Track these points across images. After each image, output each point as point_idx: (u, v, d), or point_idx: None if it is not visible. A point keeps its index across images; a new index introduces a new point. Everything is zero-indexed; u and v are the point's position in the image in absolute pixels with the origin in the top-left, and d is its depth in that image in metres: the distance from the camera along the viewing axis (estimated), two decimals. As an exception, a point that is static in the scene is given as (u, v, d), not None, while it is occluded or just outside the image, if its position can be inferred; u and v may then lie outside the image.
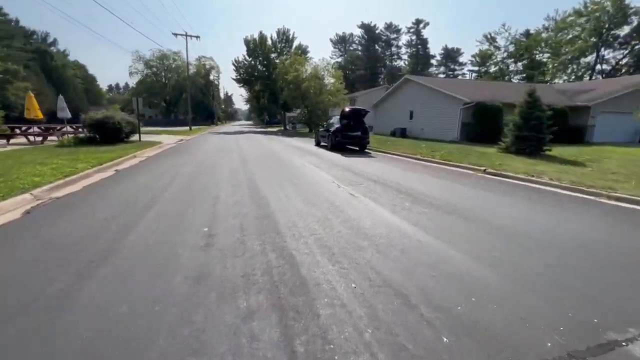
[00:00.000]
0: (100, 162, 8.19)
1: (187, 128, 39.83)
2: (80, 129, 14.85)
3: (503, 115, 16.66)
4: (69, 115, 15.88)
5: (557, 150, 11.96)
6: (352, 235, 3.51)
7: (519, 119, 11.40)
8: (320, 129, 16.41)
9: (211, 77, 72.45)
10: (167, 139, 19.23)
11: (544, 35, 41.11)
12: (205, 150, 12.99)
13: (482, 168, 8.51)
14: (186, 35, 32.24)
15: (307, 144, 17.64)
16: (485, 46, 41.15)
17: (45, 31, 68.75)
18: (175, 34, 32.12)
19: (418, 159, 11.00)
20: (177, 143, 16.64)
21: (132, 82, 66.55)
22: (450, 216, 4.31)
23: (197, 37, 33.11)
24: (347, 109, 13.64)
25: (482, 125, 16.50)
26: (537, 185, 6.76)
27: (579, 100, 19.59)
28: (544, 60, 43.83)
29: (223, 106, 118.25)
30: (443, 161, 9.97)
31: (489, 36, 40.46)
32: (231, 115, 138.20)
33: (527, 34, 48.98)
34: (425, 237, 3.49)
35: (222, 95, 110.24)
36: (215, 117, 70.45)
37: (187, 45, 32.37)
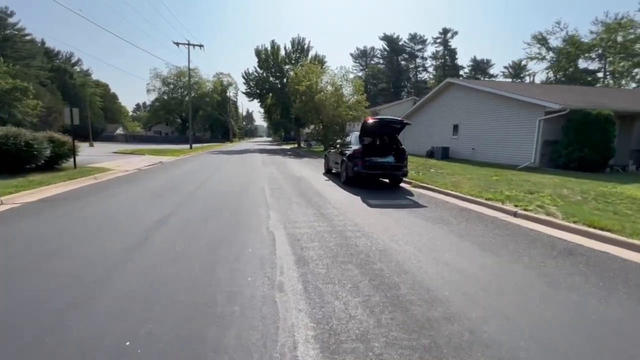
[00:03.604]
0: None
1: (199, 145, 36.69)
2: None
3: (615, 130, 10.84)
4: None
5: None
6: None
7: None
8: (332, 150, 11.30)
9: (229, 94, 70.54)
10: (135, 162, 14.88)
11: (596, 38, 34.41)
12: (138, 192, 8.22)
13: None
14: (189, 44, 28.93)
15: (315, 170, 12.59)
16: (535, 49, 34.80)
17: (69, 51, 70.27)
18: (177, 43, 28.90)
19: (515, 215, 5.53)
20: (136, 170, 12.11)
21: (150, 99, 65.64)
22: None
23: (201, 46, 29.70)
24: (371, 120, 8.48)
25: (580, 144, 10.68)
26: None
27: None
28: (592, 67, 36.88)
29: (244, 123, 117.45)
30: (592, 230, 4.43)
31: (539, 36, 34.10)
32: (250, 132, 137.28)
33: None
34: None
35: (243, 112, 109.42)
36: (230, 135, 67.80)
37: (189, 55, 29.01)
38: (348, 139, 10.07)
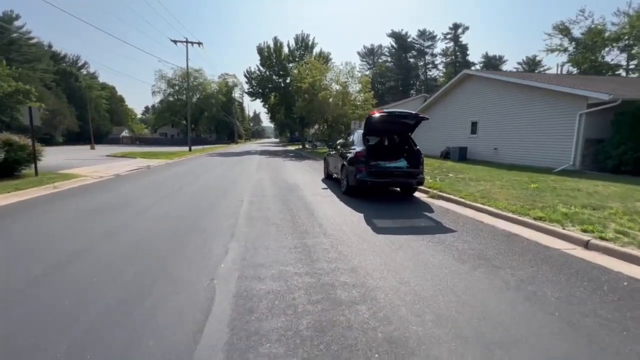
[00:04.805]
0: None
1: (200, 146, 35.47)
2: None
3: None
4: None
5: None
6: None
7: None
8: (332, 152, 9.62)
9: (235, 95, 69.48)
10: (118, 166, 13.50)
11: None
12: (82, 207, 6.76)
13: None
14: (187, 41, 27.70)
15: (314, 175, 10.97)
16: (556, 40, 32.15)
17: (76, 54, 70.46)
18: (175, 41, 27.65)
19: (587, 246, 3.75)
20: (112, 176, 10.69)
21: (156, 101, 65.22)
22: None
23: (200, 43, 28.35)
24: (377, 115, 6.78)
25: (636, 142, 8.74)
26: None
27: None
28: (613, 59, 33.90)
29: (251, 124, 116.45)
30: None
31: (561, 26, 31.44)
32: (257, 133, 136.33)
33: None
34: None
35: (250, 113, 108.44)
36: (235, 136, 66.76)
37: (187, 53, 27.83)
38: (350, 138, 8.33)
